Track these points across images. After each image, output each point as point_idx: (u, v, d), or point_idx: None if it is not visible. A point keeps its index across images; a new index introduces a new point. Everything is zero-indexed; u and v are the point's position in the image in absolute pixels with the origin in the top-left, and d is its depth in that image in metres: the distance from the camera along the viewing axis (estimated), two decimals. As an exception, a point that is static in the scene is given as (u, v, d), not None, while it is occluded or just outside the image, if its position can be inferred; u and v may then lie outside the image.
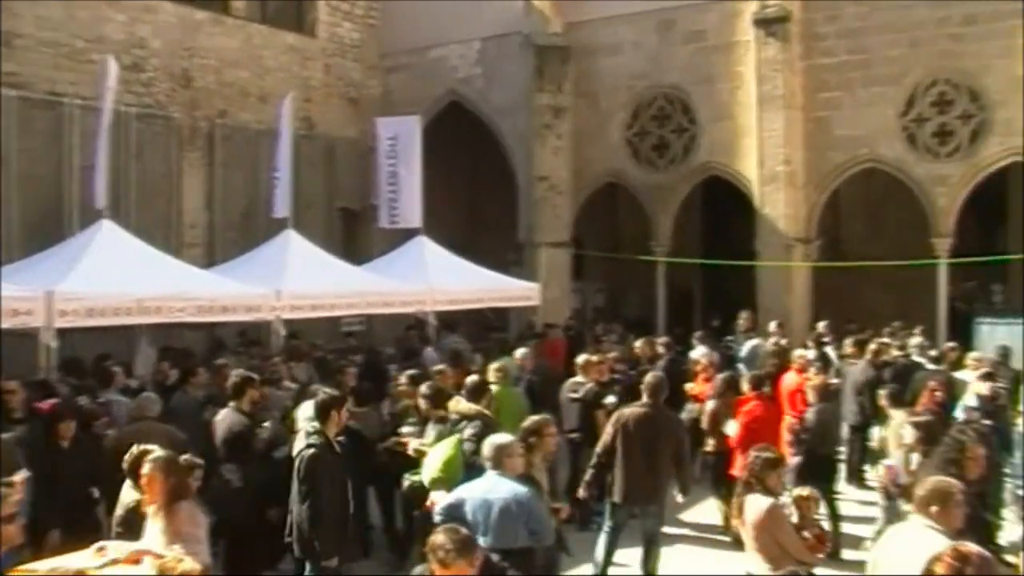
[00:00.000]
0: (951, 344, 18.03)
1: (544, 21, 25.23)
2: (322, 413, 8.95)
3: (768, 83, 22.74)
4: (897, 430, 10.79)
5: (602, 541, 10.65)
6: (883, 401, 12.25)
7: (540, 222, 24.96)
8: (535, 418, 9.02)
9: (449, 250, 21.11)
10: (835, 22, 22.71)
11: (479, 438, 8.86)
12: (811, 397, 12.54)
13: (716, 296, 27.07)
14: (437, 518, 7.53)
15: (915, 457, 9.43)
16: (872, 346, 16.27)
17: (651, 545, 10.49)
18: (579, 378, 13.43)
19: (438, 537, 5.64)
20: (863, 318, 21.62)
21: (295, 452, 9.03)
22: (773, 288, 22.82)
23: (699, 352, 17.35)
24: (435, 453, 9.48)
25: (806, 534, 7.76)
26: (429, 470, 9.34)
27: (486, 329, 22.56)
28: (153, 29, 21.82)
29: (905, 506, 9.03)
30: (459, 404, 10.46)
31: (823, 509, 10.95)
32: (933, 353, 17.56)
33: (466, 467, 9.04)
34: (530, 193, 25.22)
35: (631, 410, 10.63)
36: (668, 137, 24.80)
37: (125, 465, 7.70)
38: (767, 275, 22.90)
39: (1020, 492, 11.60)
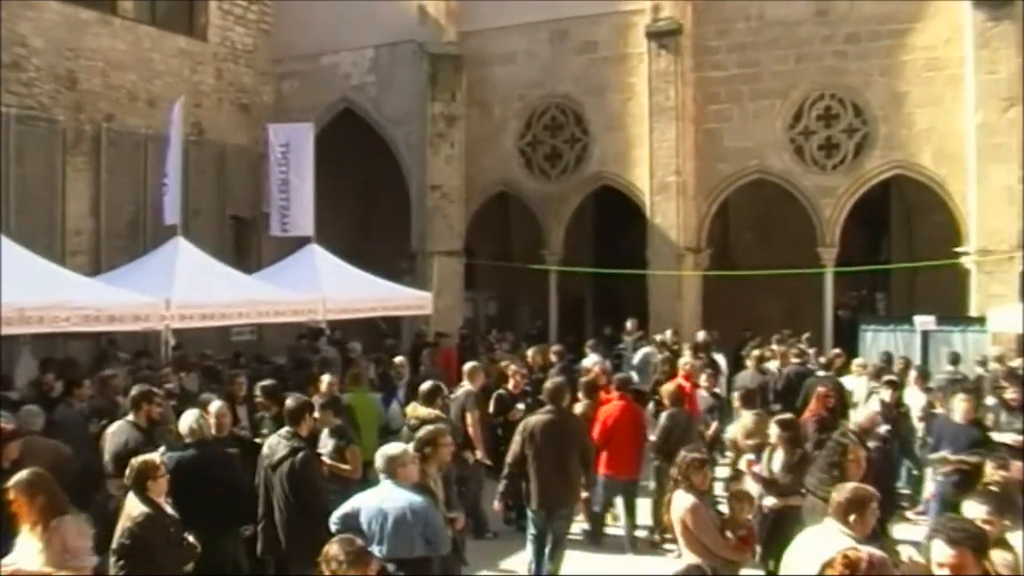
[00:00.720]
0: (836, 351, 18.54)
1: (438, 30, 25.16)
2: (295, 416, 9.19)
3: (660, 95, 23.05)
4: (744, 428, 11.46)
5: (529, 549, 10.72)
6: (736, 402, 12.84)
7: (432, 231, 24.89)
8: (430, 427, 8.96)
9: (341, 259, 20.89)
10: (725, 36, 23.13)
11: None
12: (666, 401, 12.77)
13: (608, 305, 27.30)
14: (333, 528, 7.44)
15: (778, 454, 9.71)
16: (755, 353, 16.60)
17: (556, 547, 10.61)
18: (466, 384, 13.33)
19: (332, 548, 5.57)
20: (752, 326, 22.03)
21: (274, 458, 8.96)
22: (664, 296, 23.10)
23: (591, 360, 17.44)
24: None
25: (728, 534, 7.91)
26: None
27: (379, 338, 22.41)
28: (35, 27, 21.08)
29: (767, 500, 9.21)
30: (417, 410, 11.01)
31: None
32: (822, 360, 17.99)
33: None
34: (422, 202, 25.13)
35: (536, 417, 10.70)
36: (561, 147, 24.96)
37: (128, 479, 7.62)
38: (658, 284, 23.17)
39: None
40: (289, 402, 9.51)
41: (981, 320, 19.30)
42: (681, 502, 7.85)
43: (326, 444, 10.37)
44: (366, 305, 20.00)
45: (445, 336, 21.53)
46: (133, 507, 7.43)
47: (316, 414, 9.85)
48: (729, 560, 7.86)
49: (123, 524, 7.40)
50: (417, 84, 25.23)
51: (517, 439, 10.63)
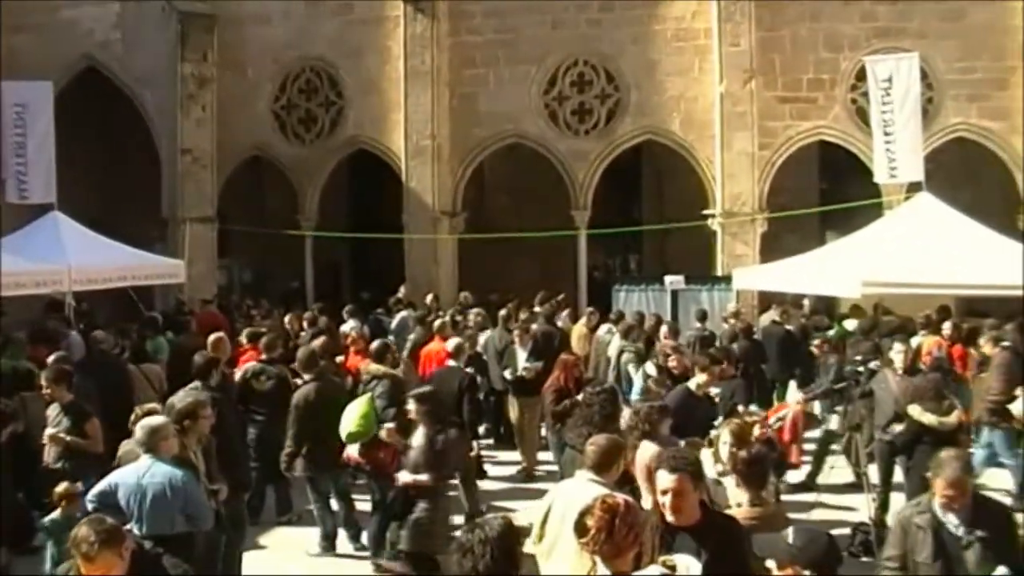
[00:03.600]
0: (590, 309, 19.06)
1: (187, -14, 24.26)
2: (204, 370, 10.23)
3: (416, 59, 23.04)
4: None
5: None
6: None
7: (184, 197, 24.09)
8: (189, 399, 8.71)
9: (87, 227, 19.93)
10: (482, 1, 23.26)
11: (389, 395, 10.40)
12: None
13: (366, 270, 27.17)
14: (89, 506, 7.12)
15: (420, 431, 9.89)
16: (503, 312, 16.84)
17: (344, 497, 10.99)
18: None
19: (82, 529, 5.32)
20: (509, 288, 22.31)
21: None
22: (421, 261, 23.21)
23: (349, 325, 17.30)
24: (351, 409, 10.16)
25: None
26: (346, 425, 10.04)
27: (132, 308, 21.54)
28: None
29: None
30: (369, 366, 11.51)
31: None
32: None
33: (378, 422, 10.08)
34: (173, 167, 24.28)
35: (305, 388, 10.79)
36: (315, 110, 24.61)
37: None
38: (415, 248, 23.25)
39: None
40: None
41: (727, 279, 20.23)
42: (646, 450, 7.75)
43: (58, 420, 10.10)
44: (115, 274, 19.12)
45: (209, 303, 20.95)
46: None
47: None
48: None
49: None
50: (166, 43, 24.23)
51: (293, 410, 10.64)
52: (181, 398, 9.67)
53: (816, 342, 15.79)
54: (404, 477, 8.95)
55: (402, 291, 21.57)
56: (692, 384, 9.85)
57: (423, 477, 8.81)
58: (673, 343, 12.70)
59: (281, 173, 25.29)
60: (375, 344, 12.30)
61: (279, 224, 25.27)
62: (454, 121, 23.43)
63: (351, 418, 10.10)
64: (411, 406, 9.27)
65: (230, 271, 27.43)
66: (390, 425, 9.72)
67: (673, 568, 4.78)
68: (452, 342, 13.18)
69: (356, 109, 24.07)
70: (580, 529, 4.67)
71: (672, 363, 11.42)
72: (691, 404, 9.40)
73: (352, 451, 10.14)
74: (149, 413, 8.30)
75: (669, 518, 5.25)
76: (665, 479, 5.28)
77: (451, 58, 23.33)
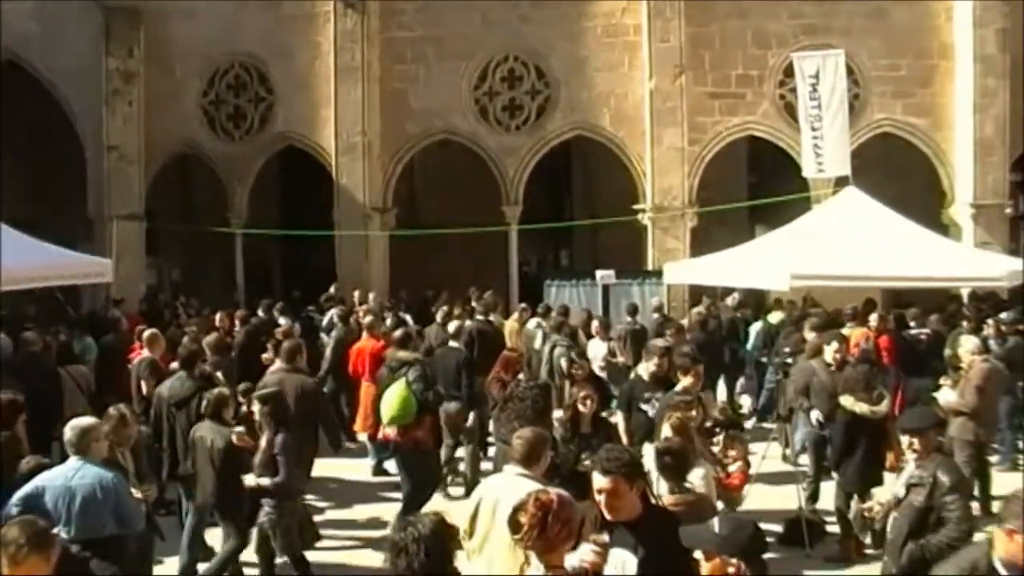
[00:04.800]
0: (522, 305, 19.15)
1: (111, -20, 23.84)
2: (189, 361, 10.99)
3: (346, 54, 22.92)
4: None
5: None
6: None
7: (111, 194, 23.72)
8: (120, 405, 8.62)
9: (10, 226, 19.49)
10: (413, -3, 23.19)
11: (423, 377, 11.07)
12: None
13: (297, 267, 26.97)
14: (13, 510, 6.98)
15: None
16: (443, 309, 16.90)
17: None
18: (145, 352, 12.85)
19: (10, 531, 5.20)
20: (440, 284, 22.30)
21: None
22: (352, 258, 23.08)
23: (280, 323, 17.20)
24: (389, 394, 10.77)
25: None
26: (386, 410, 10.68)
27: (58, 308, 21.17)
28: None
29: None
30: (397, 353, 11.95)
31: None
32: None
33: (418, 403, 10.73)
34: (99, 164, 23.89)
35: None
36: (245, 107, 24.34)
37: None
38: (346, 245, 23.11)
39: None
40: None
41: (657, 273, 20.35)
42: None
43: None
44: (39, 274, 18.67)
45: (121, 302, 20.60)
46: None
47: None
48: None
49: None
50: (90, 38, 23.82)
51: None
52: (170, 386, 10.57)
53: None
54: (248, 480, 8.90)
55: (333, 289, 21.43)
56: (679, 388, 9.74)
57: (264, 481, 8.80)
58: (664, 343, 12.71)
59: (210, 170, 24.97)
60: (398, 332, 12.88)
61: (209, 222, 25.01)
62: (384, 117, 23.32)
63: (390, 402, 10.70)
64: (255, 407, 9.26)
65: (159, 270, 27.06)
66: (239, 430, 9.44)
67: (604, 545, 4.83)
68: (453, 324, 14.21)
69: (286, 105, 23.85)
70: (514, 526, 4.67)
71: (655, 367, 11.13)
72: None
73: (390, 432, 10.81)
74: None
75: (606, 516, 5.27)
76: (599, 480, 5.27)
77: (381, 54, 23.22)
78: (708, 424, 8.91)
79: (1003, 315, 14.60)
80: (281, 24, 23.66)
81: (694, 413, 8.31)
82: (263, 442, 8.97)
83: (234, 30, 23.92)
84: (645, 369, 10.54)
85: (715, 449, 8.87)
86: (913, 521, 6.76)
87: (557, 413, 9.46)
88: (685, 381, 9.63)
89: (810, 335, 13.14)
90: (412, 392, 10.80)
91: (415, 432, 10.74)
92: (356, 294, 20.50)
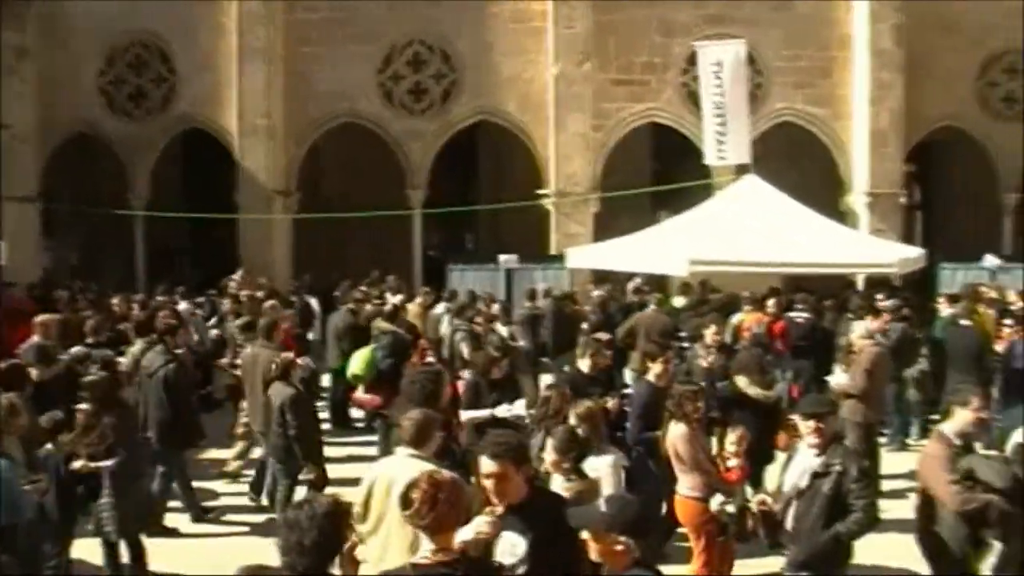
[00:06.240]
0: (426, 289, 19.14)
1: (3, -46, 23.21)
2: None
3: (250, 35, 22.63)
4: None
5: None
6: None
7: (3, 175, 23.03)
8: (10, 394, 8.42)
9: None
10: (318, -22, 22.96)
11: (389, 347, 12.59)
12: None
13: (201, 250, 26.62)
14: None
15: None
16: (356, 295, 16.81)
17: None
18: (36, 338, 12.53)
19: None
20: (345, 268, 22.16)
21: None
22: (256, 241, 22.86)
23: (184, 307, 16.98)
24: (357, 355, 12.69)
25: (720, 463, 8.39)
26: (352, 368, 12.60)
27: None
28: None
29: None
30: (380, 323, 13.72)
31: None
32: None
33: (375, 367, 12.35)
34: (-9, 143, 23.26)
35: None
36: (146, 86, 23.91)
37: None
38: (249, 228, 22.88)
39: None
40: None
41: (560, 258, 20.47)
42: (674, 431, 8.21)
43: None
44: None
45: (12, 285, 20.05)
46: None
47: None
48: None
49: None
50: (-20, 13, 23.19)
51: None
52: (151, 359, 11.05)
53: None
54: (76, 465, 8.74)
55: (239, 274, 21.09)
56: (651, 377, 9.66)
57: (98, 464, 8.70)
58: (606, 337, 12.64)
59: (111, 151, 24.46)
60: (388, 306, 15.42)
61: (108, 204, 24.49)
62: (288, 99, 23.11)
63: (356, 363, 12.52)
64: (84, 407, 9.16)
65: (56, 253, 26.45)
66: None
67: (497, 515, 4.96)
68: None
69: (188, 86, 23.47)
70: (405, 502, 4.69)
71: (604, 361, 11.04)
72: (659, 396, 9.24)
73: (359, 394, 12.68)
74: None
75: (493, 500, 5.30)
76: (487, 465, 5.29)
77: (286, 35, 22.97)
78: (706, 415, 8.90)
79: (888, 302, 14.89)
80: (184, 3, 23.19)
81: (700, 404, 8.34)
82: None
83: (134, 7, 23.38)
84: (583, 363, 10.42)
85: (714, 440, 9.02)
86: (822, 510, 6.87)
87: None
88: (656, 369, 9.63)
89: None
90: (375, 356, 12.46)
91: (377, 391, 12.21)
92: (237, 275, 20.30)
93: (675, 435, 8.24)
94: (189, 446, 11.52)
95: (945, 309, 15.02)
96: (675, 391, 8.57)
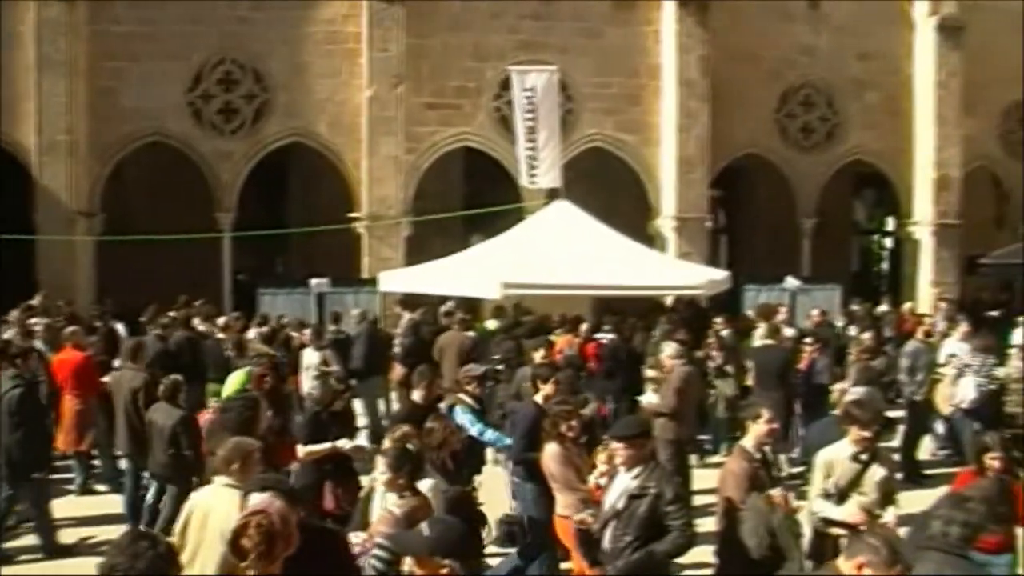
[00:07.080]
0: (235, 313, 18.73)
1: None
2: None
3: (49, 45, 21.63)
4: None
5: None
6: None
7: None
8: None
9: None
10: (124, -12, 22.24)
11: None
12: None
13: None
14: None
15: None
16: (164, 320, 16.30)
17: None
18: None
19: None
20: (152, 292, 21.43)
21: None
22: (56, 263, 21.91)
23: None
24: (233, 377, 12.20)
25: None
26: (228, 388, 11.92)
27: None
28: None
29: None
30: (257, 346, 14.10)
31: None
32: (220, 322, 17.92)
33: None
34: None
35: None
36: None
37: None
38: (48, 250, 21.90)
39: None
40: None
41: (372, 281, 20.38)
42: (548, 450, 8.42)
43: None
44: None
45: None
46: None
47: None
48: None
49: None
50: None
51: None
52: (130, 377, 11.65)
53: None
54: None
55: (38, 298, 20.07)
56: (539, 398, 9.63)
57: None
58: (477, 370, 12.59)
59: None
60: (265, 329, 15.75)
61: None
62: (92, 116, 22.24)
63: (232, 384, 11.88)
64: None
65: None
66: None
67: None
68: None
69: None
70: (238, 552, 4.49)
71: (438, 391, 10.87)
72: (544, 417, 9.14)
73: None
74: None
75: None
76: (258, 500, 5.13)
77: (90, 48, 22.07)
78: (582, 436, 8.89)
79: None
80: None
81: (575, 423, 8.49)
82: None
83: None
84: (417, 393, 10.23)
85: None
86: (637, 531, 6.95)
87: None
88: (546, 389, 9.67)
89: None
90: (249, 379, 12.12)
91: None
92: (62, 304, 19.40)
93: (548, 455, 8.44)
94: (37, 471, 10.97)
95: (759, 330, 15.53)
96: (550, 411, 8.80)
